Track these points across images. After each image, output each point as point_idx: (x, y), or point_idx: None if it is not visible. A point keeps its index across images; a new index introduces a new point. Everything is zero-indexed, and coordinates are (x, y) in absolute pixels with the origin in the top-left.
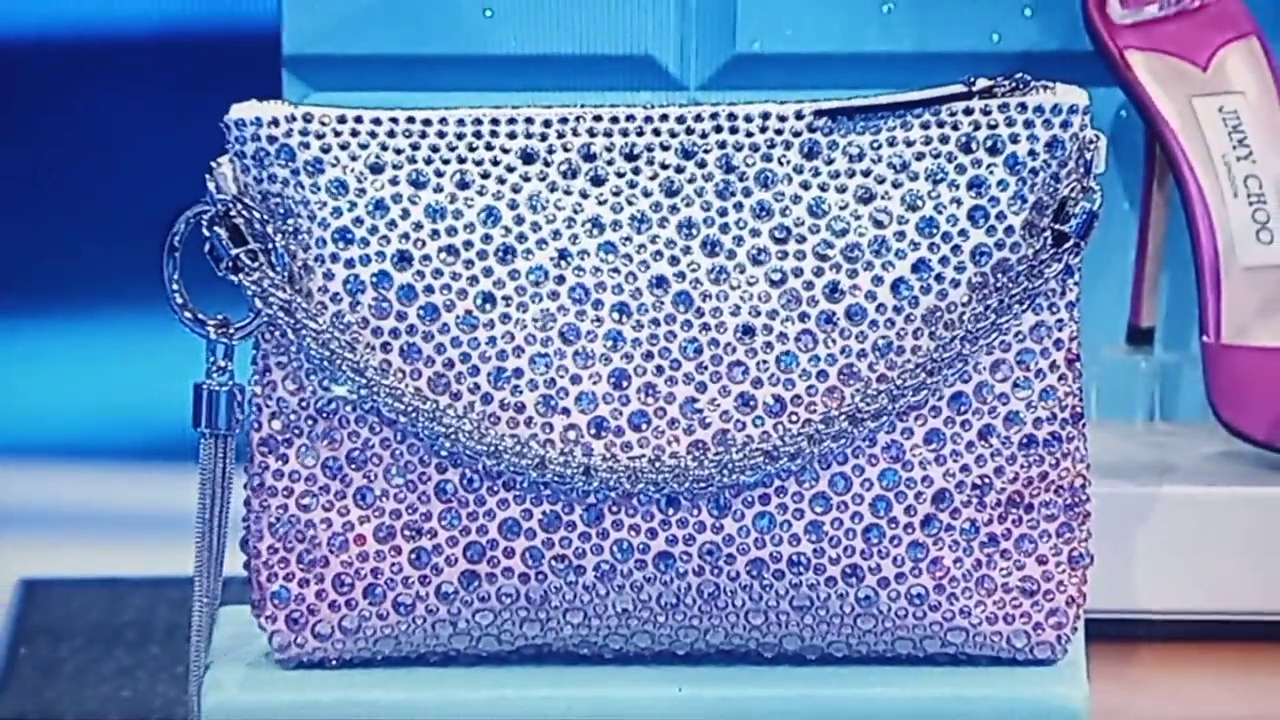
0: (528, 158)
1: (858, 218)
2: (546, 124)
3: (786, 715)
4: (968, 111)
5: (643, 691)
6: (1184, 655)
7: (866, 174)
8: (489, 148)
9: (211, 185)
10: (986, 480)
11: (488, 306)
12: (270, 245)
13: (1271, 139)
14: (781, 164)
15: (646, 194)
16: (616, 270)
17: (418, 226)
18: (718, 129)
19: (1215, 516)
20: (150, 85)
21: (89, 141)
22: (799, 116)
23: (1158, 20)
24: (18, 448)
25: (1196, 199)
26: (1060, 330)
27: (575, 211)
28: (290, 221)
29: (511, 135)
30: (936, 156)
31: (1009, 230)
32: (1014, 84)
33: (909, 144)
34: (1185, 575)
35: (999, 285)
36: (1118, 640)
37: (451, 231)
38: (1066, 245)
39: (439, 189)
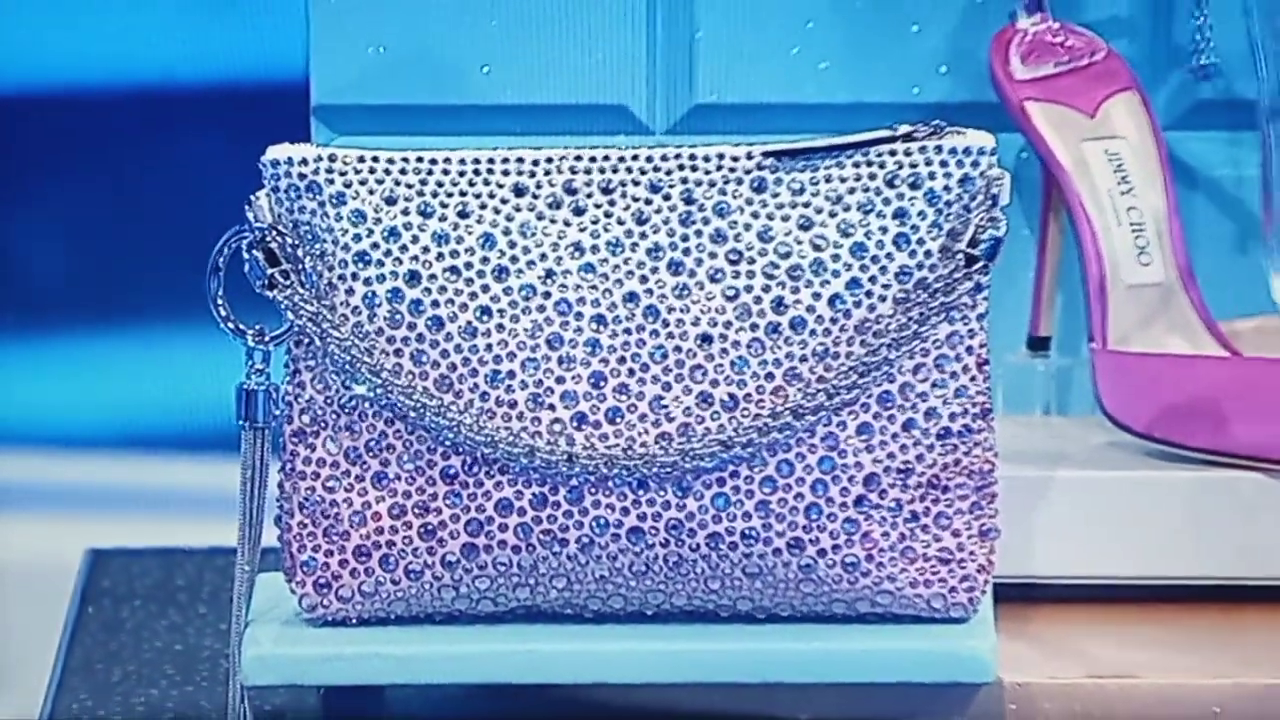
0: (519, 191)
1: (799, 243)
2: (535, 163)
3: (739, 666)
4: (892, 153)
5: (618, 645)
6: (1076, 613)
7: (807, 206)
8: (486, 183)
9: (250, 215)
10: (909, 466)
11: (485, 318)
12: (300, 266)
13: (1149, 176)
14: (735, 197)
15: (620, 222)
16: (595, 287)
17: (425, 250)
18: (680, 167)
19: (1102, 496)
20: (203, 130)
21: (153, 177)
22: (749, 157)
23: (1052, 76)
24: (91, 438)
25: (1086, 227)
26: (971, 338)
27: (560, 237)
28: (317, 246)
29: (505, 172)
30: (866, 191)
31: (928, 253)
32: (932, 129)
33: (843, 180)
34: (1077, 546)
35: (919, 300)
36: (1020, 601)
37: (454, 254)
38: (976, 266)
39: (443, 218)
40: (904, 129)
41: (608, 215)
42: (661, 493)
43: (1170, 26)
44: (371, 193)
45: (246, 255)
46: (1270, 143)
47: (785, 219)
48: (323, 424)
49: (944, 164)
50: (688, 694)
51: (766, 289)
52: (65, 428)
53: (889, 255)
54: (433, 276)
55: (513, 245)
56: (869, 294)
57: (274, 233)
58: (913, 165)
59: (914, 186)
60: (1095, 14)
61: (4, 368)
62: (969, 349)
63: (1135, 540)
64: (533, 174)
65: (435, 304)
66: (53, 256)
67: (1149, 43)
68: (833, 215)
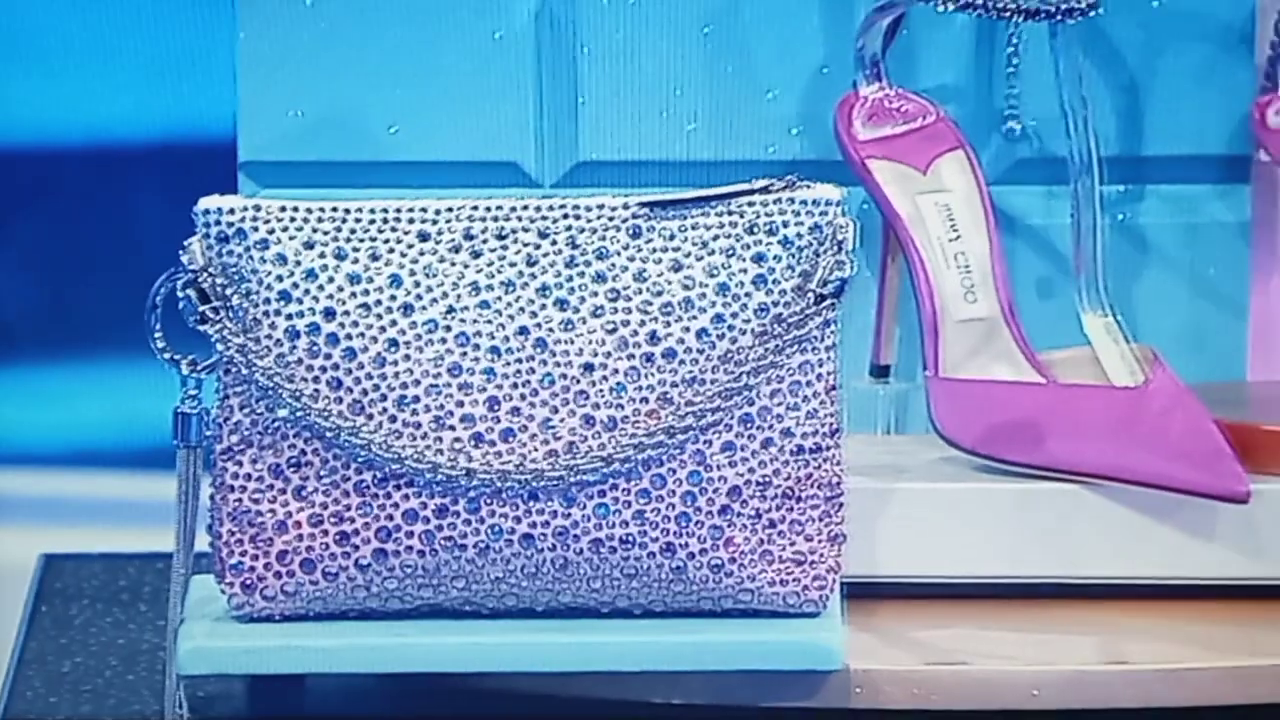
0: (423, 237)
1: (671, 283)
2: (437, 212)
3: (619, 656)
4: (751, 204)
5: (511, 638)
6: (913, 608)
7: (677, 250)
8: (394, 230)
9: (185, 258)
10: (768, 479)
11: (393, 349)
12: (229, 303)
13: (975, 225)
14: (614, 243)
15: (513, 265)
16: (490, 322)
17: (340, 289)
18: (565, 216)
19: (936, 505)
20: (144, 182)
21: (101, 224)
22: (626, 207)
23: (890, 136)
24: (45, 455)
25: (920, 270)
26: (822, 366)
27: (459, 278)
28: (244, 285)
29: (411, 220)
30: (729, 237)
31: (783, 292)
32: (786, 183)
33: (709, 228)
34: (914, 549)
35: (776, 333)
36: (865, 597)
37: (366, 293)
38: (825, 304)
39: (356, 260)
40: (761, 183)
41: (501, 258)
42: (550, 503)
43: (991, 94)
44: (292, 238)
45: (181, 294)
46: (1079, 195)
47: (658, 262)
48: (249, 443)
49: (796, 214)
50: (574, 681)
51: (642, 323)
52: (23, 446)
53: (749, 294)
54: (346, 313)
55: (418, 285)
56: (731, 328)
57: (205, 274)
58: (769, 215)
59: (771, 233)
60: (927, 82)
61: None
62: (819, 376)
63: (965, 544)
64: (435, 222)
65: (349, 337)
66: (12, 294)
67: (974, 108)
68: (700, 258)
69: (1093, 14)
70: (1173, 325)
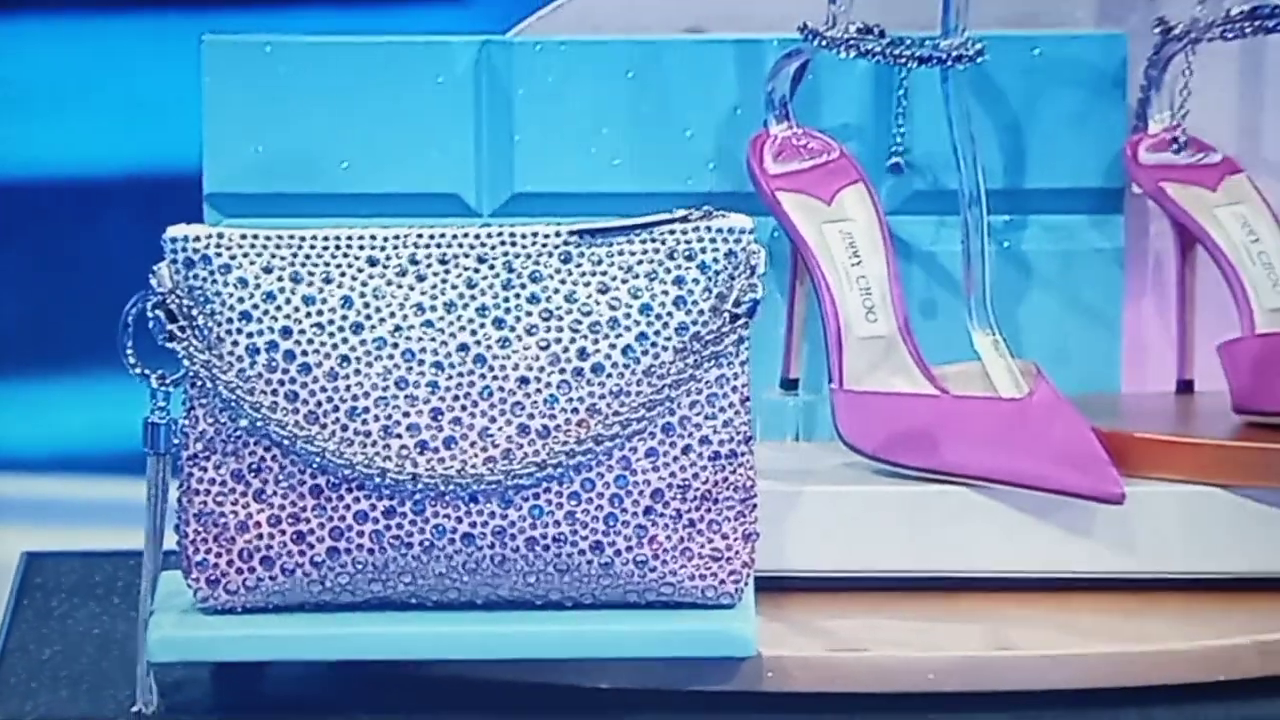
0: (372, 262)
1: (599, 304)
2: (385, 239)
3: (552, 644)
4: (672, 232)
5: (453, 628)
6: (819, 599)
7: (604, 274)
8: (345, 255)
9: (154, 281)
10: (688, 482)
11: (345, 365)
12: (194, 323)
13: (875, 251)
14: (546, 267)
15: (454, 287)
16: (434, 339)
17: (296, 310)
18: (503, 243)
19: (841, 506)
20: (117, 212)
21: (80, 250)
22: (558, 234)
23: (798, 171)
24: (27, 462)
25: (825, 292)
26: (736, 380)
27: (405, 299)
28: (208, 306)
29: (361, 247)
30: (651, 262)
31: (701, 312)
32: (703, 213)
33: (633, 254)
34: (820, 546)
35: (694, 350)
36: (775, 590)
37: (319, 313)
38: (739, 322)
39: (310, 283)
40: (681, 213)
41: (444, 281)
42: (488, 505)
43: (888, 133)
44: (252, 263)
45: (150, 314)
46: (968, 225)
47: (587, 284)
48: (213, 450)
49: (713, 241)
50: (510, 668)
51: (573, 341)
52: (7, 453)
53: (670, 314)
54: (302, 331)
55: (367, 305)
56: (654, 345)
57: (173, 296)
58: (688, 242)
59: (689, 259)
60: (830, 122)
61: None
62: (734, 388)
63: (866, 541)
64: (383, 248)
65: (304, 353)
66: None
67: (873, 145)
68: (625, 281)
69: (979, 60)
70: (1053, 342)
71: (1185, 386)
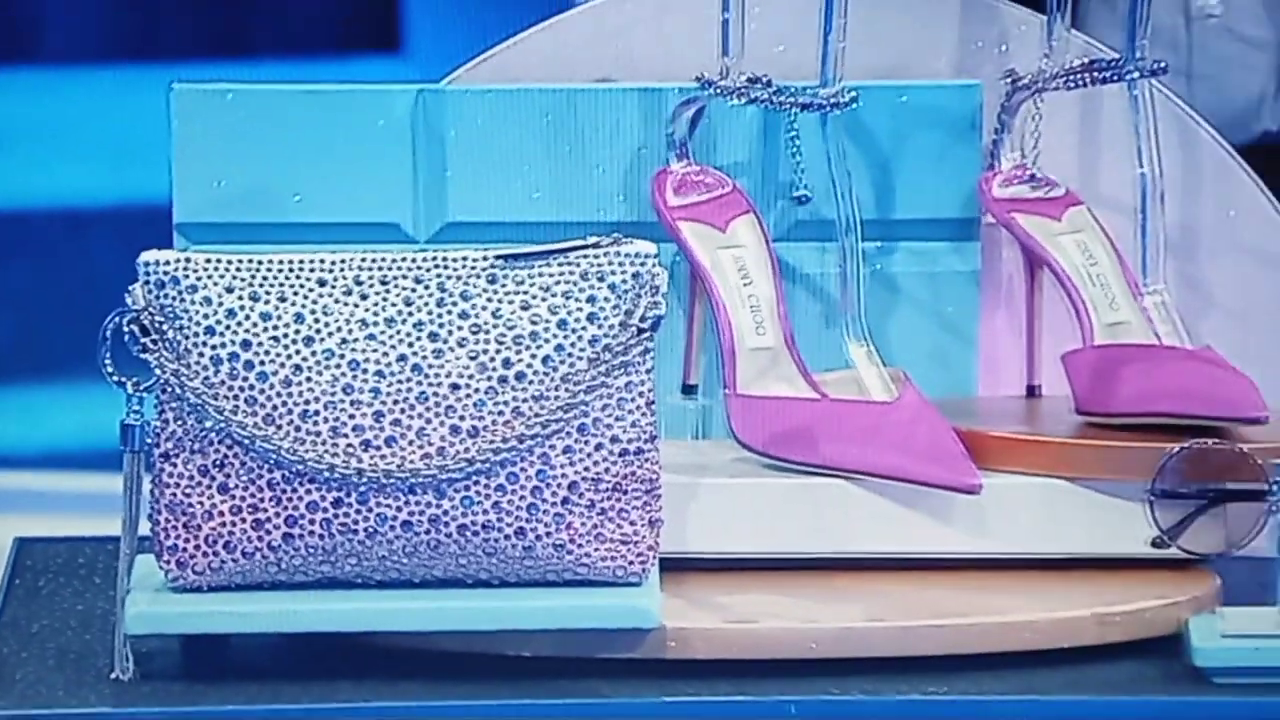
0: (321, 283)
1: (521, 319)
2: (333, 263)
3: (480, 617)
4: (585, 256)
5: (394, 604)
6: (715, 577)
7: (526, 293)
8: (298, 277)
9: (129, 300)
10: (600, 476)
11: (298, 373)
12: (164, 336)
13: (763, 273)
14: (475, 286)
15: (394, 305)
16: (376, 351)
17: (255, 325)
18: (436, 265)
19: (734, 495)
20: (98, 239)
21: (64, 273)
22: (485, 258)
23: (695, 203)
24: (18, 459)
25: (720, 308)
26: (642, 386)
27: (350, 315)
28: (177, 322)
29: (311, 269)
30: (567, 282)
31: (611, 327)
32: (612, 240)
33: (551, 275)
34: (716, 530)
35: (605, 360)
36: (677, 570)
37: (275, 328)
38: (644, 335)
39: (267, 302)
40: (593, 239)
41: (385, 300)
42: (425, 496)
43: (776, 170)
44: (215, 284)
45: (126, 329)
46: (845, 250)
47: (511, 302)
48: (182, 448)
49: (621, 264)
50: (444, 639)
51: (499, 352)
52: (2, 450)
53: (584, 328)
54: (260, 344)
55: (317, 321)
56: (570, 355)
57: (146, 312)
58: (599, 265)
59: (600, 280)
60: (724, 160)
61: None
62: (640, 393)
63: (756, 527)
64: (331, 270)
65: (261, 363)
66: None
67: (760, 180)
68: (544, 300)
69: (853, 106)
70: (918, 352)
71: (1032, 391)
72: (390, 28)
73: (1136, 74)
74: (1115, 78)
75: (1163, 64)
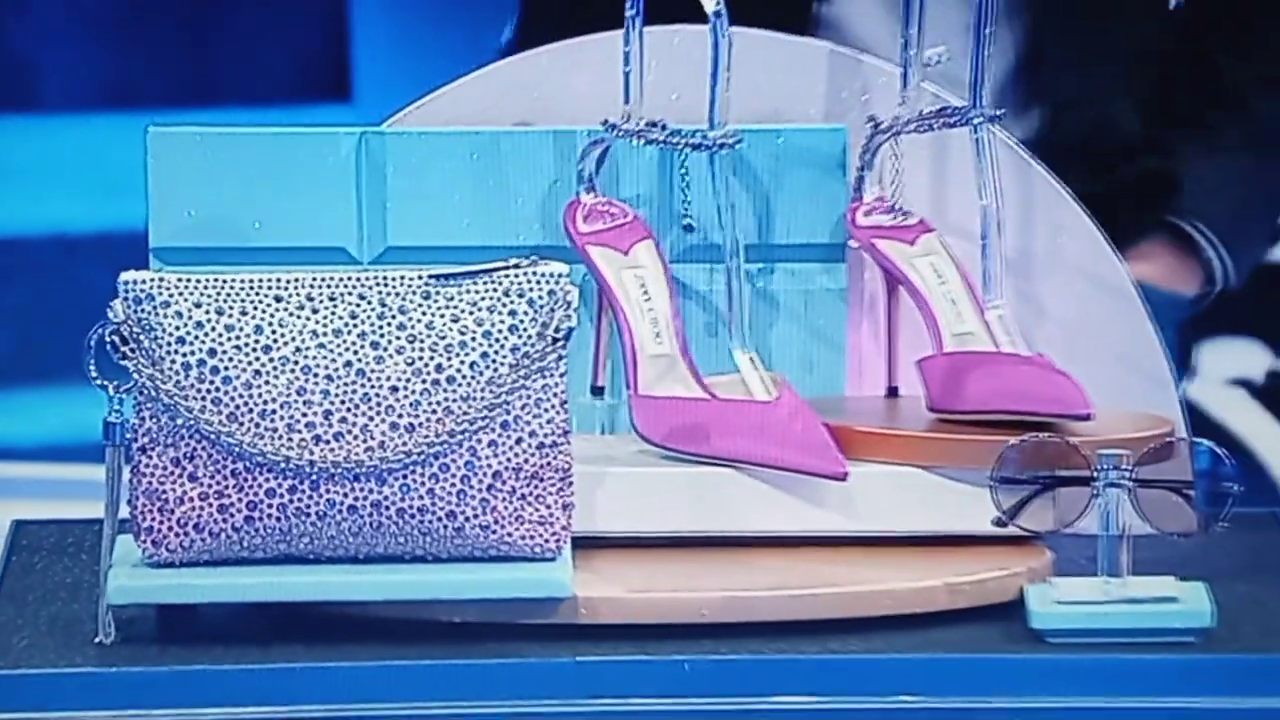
0: (278, 299)
1: (451, 330)
2: (287, 281)
3: (417, 588)
4: (507, 276)
5: (341, 578)
6: (620, 554)
7: (456, 307)
8: (257, 293)
9: (111, 314)
10: (521, 465)
11: (258, 377)
12: (141, 345)
13: (661, 290)
14: (411, 302)
15: (340, 318)
16: (325, 358)
17: (220, 335)
18: (378, 284)
19: (637, 482)
20: (84, 261)
21: (56, 290)
22: (420, 277)
23: (602, 230)
24: (16, 451)
25: (624, 322)
26: (558, 388)
27: (303, 327)
28: (152, 333)
29: (269, 287)
30: (491, 298)
31: (530, 337)
32: (531, 261)
33: (478, 292)
34: (621, 512)
35: (525, 365)
36: (587, 547)
37: (237, 338)
38: (559, 344)
39: (231, 315)
40: (514, 261)
41: (333, 313)
42: (368, 484)
43: (670, 202)
44: (186, 300)
45: (108, 339)
46: (731, 271)
47: (443, 315)
48: (156, 443)
49: (538, 282)
50: (385, 607)
51: (432, 358)
52: (2, 444)
53: (505, 338)
54: (225, 352)
55: (274, 332)
56: (494, 362)
57: (125, 325)
58: (519, 283)
59: (520, 296)
60: (626, 192)
61: None
62: (555, 394)
63: (656, 509)
64: (286, 288)
65: (226, 369)
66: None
67: (658, 209)
68: (471, 313)
69: (737, 146)
70: (795, 359)
71: (893, 392)
72: (342, 79)
73: (980, 119)
74: (961, 122)
75: (1001, 111)
